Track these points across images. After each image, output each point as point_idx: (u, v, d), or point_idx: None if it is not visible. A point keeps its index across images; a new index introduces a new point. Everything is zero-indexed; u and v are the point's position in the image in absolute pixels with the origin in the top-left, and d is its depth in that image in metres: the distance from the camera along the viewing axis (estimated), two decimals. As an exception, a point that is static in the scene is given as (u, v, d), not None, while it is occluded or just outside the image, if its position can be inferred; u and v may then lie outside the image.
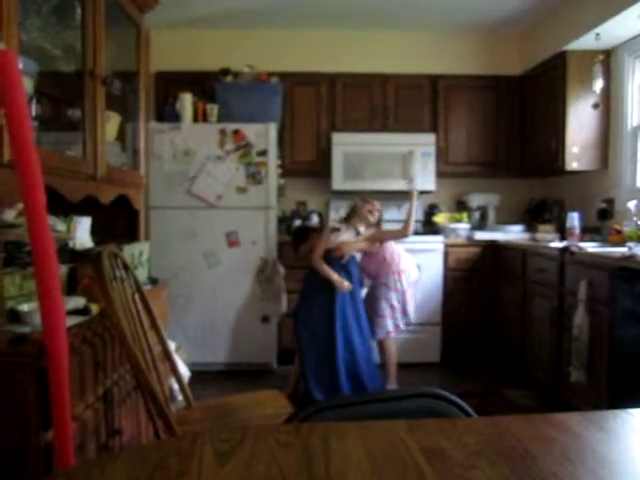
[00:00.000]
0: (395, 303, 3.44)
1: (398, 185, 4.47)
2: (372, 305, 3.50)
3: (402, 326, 3.51)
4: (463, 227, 4.42)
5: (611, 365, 2.73)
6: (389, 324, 3.45)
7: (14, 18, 1.60)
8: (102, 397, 1.86)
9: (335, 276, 3.24)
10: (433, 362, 4.23)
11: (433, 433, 0.89)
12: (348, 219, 3.46)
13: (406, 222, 3.43)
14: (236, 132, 3.96)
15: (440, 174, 4.58)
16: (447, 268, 4.25)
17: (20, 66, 1.52)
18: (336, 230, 3.37)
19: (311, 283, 3.38)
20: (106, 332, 1.90)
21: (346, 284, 3.24)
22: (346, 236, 3.37)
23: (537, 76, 4.41)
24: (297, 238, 3.56)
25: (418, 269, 3.65)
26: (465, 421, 1.00)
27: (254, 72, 4.25)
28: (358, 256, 3.51)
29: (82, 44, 2.18)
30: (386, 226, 4.70)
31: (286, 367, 3.71)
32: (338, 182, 4.45)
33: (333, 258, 3.31)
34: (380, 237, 3.46)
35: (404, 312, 3.48)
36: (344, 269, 3.32)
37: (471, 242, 4.31)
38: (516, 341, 3.87)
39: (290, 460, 0.80)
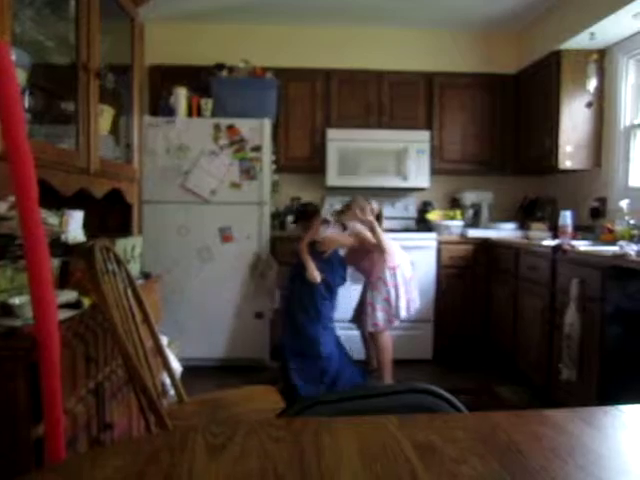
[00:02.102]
0: (390, 297, 3.44)
1: (392, 182, 4.48)
2: (365, 298, 3.52)
3: (396, 321, 3.51)
4: (456, 224, 4.43)
5: (602, 363, 2.75)
6: (380, 317, 3.45)
7: (8, 9, 1.58)
8: (94, 391, 1.86)
9: (311, 265, 3.33)
10: (425, 359, 4.24)
11: (424, 428, 0.89)
12: (339, 214, 3.53)
13: (379, 244, 3.45)
14: (230, 127, 3.95)
15: (434, 171, 4.59)
16: (440, 265, 4.27)
17: (13, 58, 1.50)
18: (325, 222, 3.43)
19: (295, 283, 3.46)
20: (98, 326, 1.89)
21: (315, 274, 3.31)
22: (331, 231, 3.45)
23: (532, 75, 4.42)
24: (301, 214, 3.65)
25: (412, 266, 3.65)
26: (456, 417, 1.00)
27: (249, 67, 4.23)
28: (342, 252, 3.57)
29: (76, 36, 2.17)
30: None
31: (279, 363, 3.71)
32: (332, 178, 4.45)
33: (316, 251, 3.39)
34: (364, 238, 3.46)
35: (397, 307, 3.48)
36: (326, 263, 3.39)
37: (464, 239, 4.32)
38: (508, 338, 3.89)
39: (282, 454, 0.80)
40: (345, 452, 0.81)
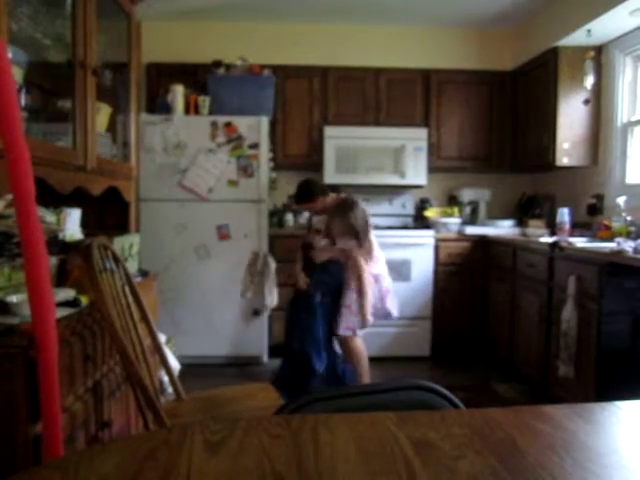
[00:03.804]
0: (364, 303, 3.26)
1: (390, 179, 4.48)
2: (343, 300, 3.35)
3: (359, 329, 3.32)
4: (454, 222, 4.43)
5: (599, 360, 2.76)
6: (355, 321, 3.27)
7: (3, 7, 1.58)
8: (92, 389, 1.86)
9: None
10: (423, 356, 4.25)
11: (422, 425, 0.89)
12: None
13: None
14: (228, 125, 3.95)
15: (432, 169, 4.59)
16: (438, 262, 4.27)
17: (9, 55, 1.50)
18: (317, 232, 3.42)
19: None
20: (96, 324, 1.89)
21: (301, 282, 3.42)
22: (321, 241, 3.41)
23: (529, 72, 4.42)
24: (302, 196, 3.46)
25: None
26: (453, 413, 1.01)
27: (246, 64, 4.23)
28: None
29: (73, 34, 2.16)
30: (376, 220, 4.73)
31: (277, 360, 3.71)
32: (330, 176, 4.44)
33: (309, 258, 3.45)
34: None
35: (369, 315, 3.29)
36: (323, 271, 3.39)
37: (462, 237, 4.33)
38: (505, 335, 3.90)
39: (280, 451, 0.80)
40: (343, 449, 0.81)
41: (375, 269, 3.32)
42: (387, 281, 3.38)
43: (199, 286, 4.00)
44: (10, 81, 1.36)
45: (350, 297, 3.29)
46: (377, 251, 3.39)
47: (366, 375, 3.39)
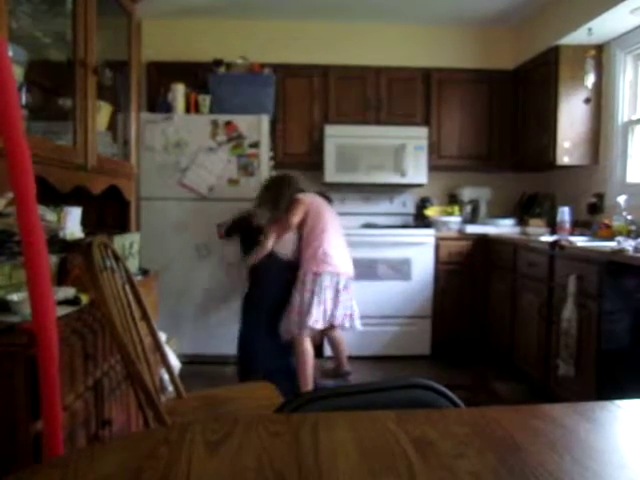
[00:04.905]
0: (302, 303, 3.25)
1: (390, 178, 4.48)
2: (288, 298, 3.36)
3: (300, 330, 3.25)
4: (454, 220, 4.43)
5: (599, 359, 2.76)
6: (292, 322, 3.27)
7: (4, 5, 1.58)
8: (92, 387, 1.86)
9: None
10: (423, 355, 4.25)
11: (422, 423, 0.89)
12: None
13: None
14: (228, 123, 3.95)
15: (432, 167, 4.58)
16: (438, 261, 4.27)
17: (10, 54, 1.50)
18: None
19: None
20: (96, 322, 1.89)
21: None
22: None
23: (530, 70, 4.42)
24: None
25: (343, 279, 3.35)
26: (453, 412, 1.01)
27: (247, 63, 4.23)
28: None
29: (73, 32, 2.16)
30: (377, 219, 4.74)
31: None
32: (330, 174, 4.44)
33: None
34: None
35: (307, 313, 3.22)
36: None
37: (462, 235, 4.33)
38: (506, 334, 3.90)
39: (280, 450, 0.80)
40: (342, 447, 0.81)
41: (321, 268, 3.26)
42: (335, 280, 3.28)
43: (200, 285, 4.00)
44: (10, 79, 1.36)
45: (293, 296, 3.31)
46: (331, 251, 3.31)
47: (304, 383, 3.30)
